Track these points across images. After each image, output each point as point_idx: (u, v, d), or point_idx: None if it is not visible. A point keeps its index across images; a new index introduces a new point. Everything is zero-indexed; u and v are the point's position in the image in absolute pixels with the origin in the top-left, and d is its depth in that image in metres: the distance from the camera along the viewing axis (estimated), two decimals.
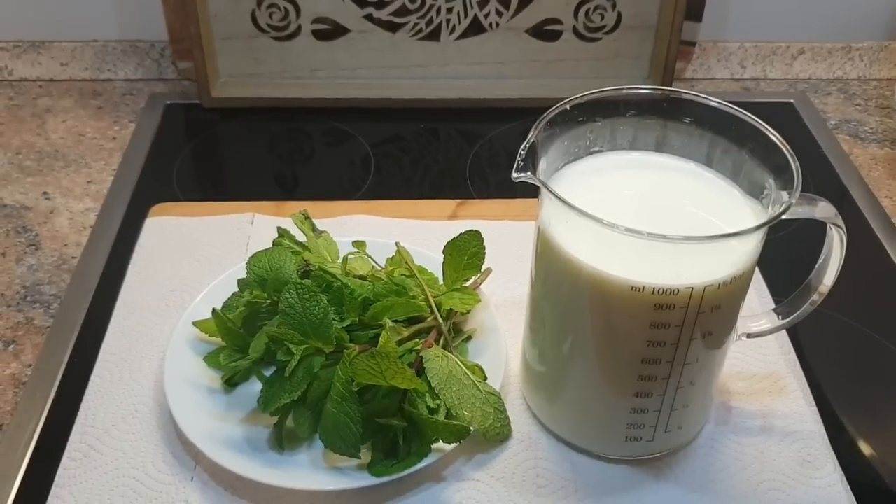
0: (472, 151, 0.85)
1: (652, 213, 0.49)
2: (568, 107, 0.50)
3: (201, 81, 0.87)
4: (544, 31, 0.89)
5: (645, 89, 0.51)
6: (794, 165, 0.46)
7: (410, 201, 0.74)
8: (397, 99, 0.89)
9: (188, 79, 0.90)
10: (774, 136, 0.48)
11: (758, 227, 0.44)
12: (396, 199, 0.75)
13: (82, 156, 0.83)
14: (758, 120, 0.49)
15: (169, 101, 0.90)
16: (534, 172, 0.47)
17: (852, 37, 0.98)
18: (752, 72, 0.99)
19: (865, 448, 0.58)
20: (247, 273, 0.57)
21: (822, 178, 0.83)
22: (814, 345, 0.64)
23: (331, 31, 0.88)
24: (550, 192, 0.45)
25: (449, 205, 0.74)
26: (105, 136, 0.86)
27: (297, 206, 0.67)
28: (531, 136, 0.47)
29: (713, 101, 0.50)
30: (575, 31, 0.89)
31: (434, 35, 0.88)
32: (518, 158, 0.46)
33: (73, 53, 0.93)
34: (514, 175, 0.46)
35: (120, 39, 0.93)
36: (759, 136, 0.48)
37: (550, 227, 0.48)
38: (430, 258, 0.62)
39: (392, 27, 0.88)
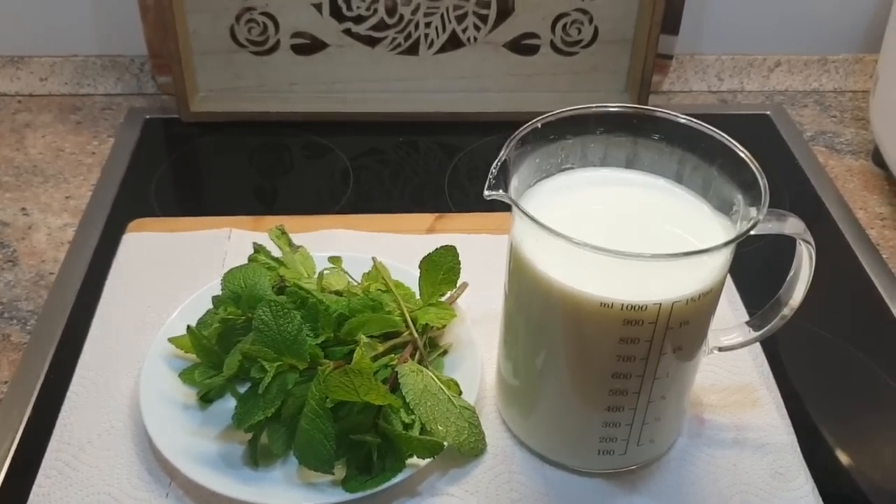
0: (451, 165, 0.86)
1: (622, 230, 0.49)
2: (539, 125, 0.50)
3: (180, 96, 0.87)
4: (522, 46, 0.89)
5: (615, 107, 0.52)
6: (762, 182, 0.47)
7: (388, 215, 0.75)
8: (376, 113, 0.89)
9: (167, 93, 0.91)
10: (743, 152, 0.48)
11: (725, 245, 0.44)
12: (375, 213, 0.75)
13: (61, 171, 0.83)
14: (726, 136, 0.49)
15: (148, 116, 0.91)
16: (505, 190, 0.47)
17: (828, 49, 0.99)
18: (729, 84, 1.00)
19: (838, 460, 0.58)
20: (221, 290, 0.57)
21: (798, 189, 0.84)
22: (788, 357, 0.65)
23: (310, 46, 0.88)
24: (521, 210, 0.45)
25: (427, 219, 0.74)
26: (84, 151, 0.86)
27: (274, 220, 0.67)
28: (503, 154, 0.48)
29: (682, 119, 0.51)
30: (552, 45, 0.89)
31: (412, 49, 0.89)
32: (490, 176, 0.47)
33: (53, 68, 0.93)
34: (486, 193, 0.47)
35: (100, 54, 0.93)
36: (728, 153, 0.49)
37: (522, 243, 0.48)
38: (407, 273, 0.62)
39: (371, 42, 0.88)
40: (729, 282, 0.68)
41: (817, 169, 0.87)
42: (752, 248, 0.72)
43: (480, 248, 0.68)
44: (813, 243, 0.49)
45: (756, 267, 0.69)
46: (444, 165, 0.86)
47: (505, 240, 0.51)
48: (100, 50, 0.93)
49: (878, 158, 0.89)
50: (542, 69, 0.90)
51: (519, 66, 0.90)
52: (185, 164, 0.86)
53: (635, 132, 0.52)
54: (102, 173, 0.82)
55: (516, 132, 0.49)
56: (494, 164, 0.47)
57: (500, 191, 0.46)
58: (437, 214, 0.74)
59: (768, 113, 0.96)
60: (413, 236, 0.71)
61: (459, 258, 0.59)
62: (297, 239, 0.63)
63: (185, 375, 0.57)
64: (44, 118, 0.91)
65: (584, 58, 0.90)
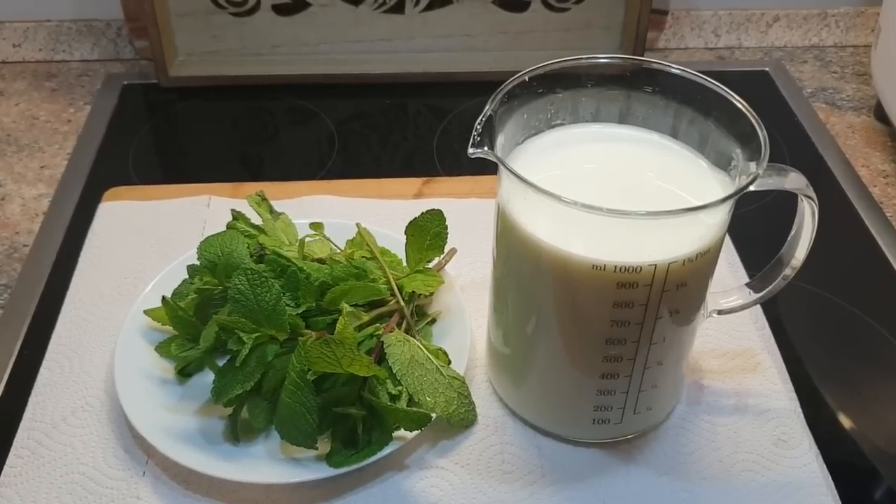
0: (441, 127, 0.83)
1: (615, 188, 0.47)
2: (527, 78, 0.48)
3: (158, 60, 0.84)
4: (512, 2, 0.86)
5: (606, 58, 0.49)
6: (762, 134, 0.44)
7: (374, 180, 0.72)
8: (362, 74, 0.87)
9: (145, 58, 0.88)
10: (740, 103, 0.46)
11: (723, 201, 0.42)
12: (362, 179, 0.73)
13: (35, 140, 0.81)
14: (723, 87, 0.47)
15: (126, 82, 0.88)
16: (491, 147, 0.45)
17: (828, 2, 0.96)
18: (726, 40, 0.97)
19: (842, 425, 0.56)
20: (197, 258, 0.54)
21: (799, 147, 0.81)
22: (790, 320, 0.63)
23: (291, 6, 0.85)
24: (507, 168, 0.43)
25: (414, 183, 0.71)
26: (60, 119, 0.84)
27: (255, 187, 0.64)
28: (487, 109, 0.45)
29: (676, 69, 0.48)
30: (543, 0, 0.86)
31: (398, 7, 0.86)
32: (474, 133, 0.44)
33: (26, 34, 0.90)
34: (470, 151, 0.44)
35: (74, 19, 0.90)
36: (725, 104, 0.46)
37: (509, 204, 0.46)
38: (393, 239, 0.59)
39: (354, 0, 0.85)
40: (729, 244, 0.65)
41: (818, 126, 0.85)
42: (751, 210, 0.70)
43: (470, 213, 0.66)
44: (815, 199, 0.46)
45: (756, 230, 0.66)
46: (434, 128, 0.83)
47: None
48: (75, 14, 0.90)
49: (880, 114, 0.86)
50: (534, 26, 0.87)
51: (509, 23, 0.87)
52: (165, 131, 0.83)
53: (629, 85, 0.49)
54: (79, 142, 0.80)
55: (502, 86, 0.46)
56: (479, 120, 0.44)
57: (486, 148, 0.44)
58: (424, 179, 0.72)
59: (767, 69, 0.93)
60: (400, 202, 0.69)
61: (446, 223, 0.56)
62: (278, 206, 0.61)
63: (162, 348, 0.55)
64: (17, 86, 0.88)
65: (577, 14, 0.87)
